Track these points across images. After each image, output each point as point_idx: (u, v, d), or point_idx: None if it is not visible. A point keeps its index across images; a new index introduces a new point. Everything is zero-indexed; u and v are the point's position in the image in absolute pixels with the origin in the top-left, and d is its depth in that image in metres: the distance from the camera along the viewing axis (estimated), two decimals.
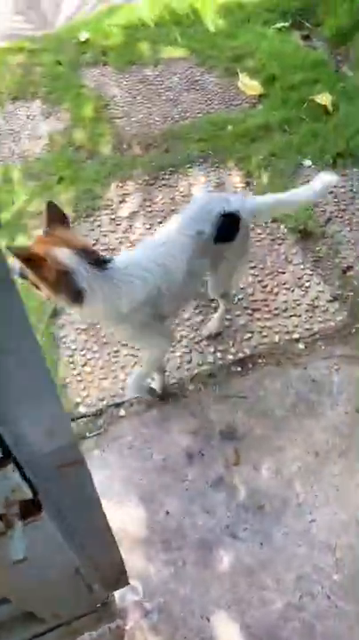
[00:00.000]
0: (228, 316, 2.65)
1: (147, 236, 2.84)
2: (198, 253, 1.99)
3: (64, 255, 1.70)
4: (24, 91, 3.89)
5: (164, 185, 3.24)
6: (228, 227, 2.05)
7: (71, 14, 4.83)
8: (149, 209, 3.12)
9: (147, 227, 3.01)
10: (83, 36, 4.28)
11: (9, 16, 4.90)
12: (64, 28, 4.55)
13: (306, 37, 4.30)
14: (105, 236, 2.98)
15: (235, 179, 3.27)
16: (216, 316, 2.57)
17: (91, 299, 1.76)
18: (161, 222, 2.98)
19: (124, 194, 3.20)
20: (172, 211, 3.02)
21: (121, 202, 3.16)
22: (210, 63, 4.01)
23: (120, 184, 3.25)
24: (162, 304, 1.97)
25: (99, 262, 1.77)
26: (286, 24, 4.31)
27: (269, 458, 2.23)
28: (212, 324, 2.57)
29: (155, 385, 2.40)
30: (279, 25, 4.28)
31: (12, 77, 4.00)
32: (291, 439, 2.28)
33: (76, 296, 1.75)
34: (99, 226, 3.02)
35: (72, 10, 4.89)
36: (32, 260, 1.65)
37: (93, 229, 3.00)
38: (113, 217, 3.07)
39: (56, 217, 1.76)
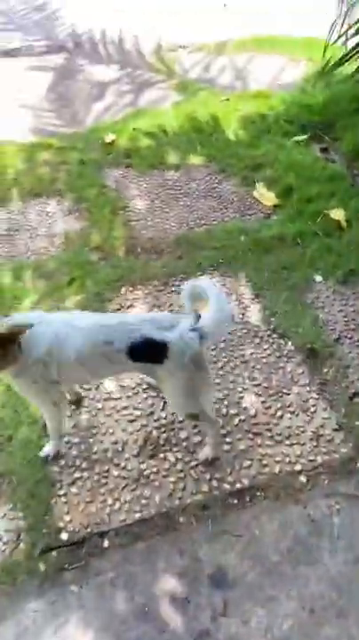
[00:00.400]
0: (228, 439, 2.55)
1: None
2: (99, 357, 2.07)
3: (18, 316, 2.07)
4: (46, 188, 4.01)
5: (173, 291, 3.23)
6: (149, 349, 2.02)
7: (100, 114, 5.08)
8: None
9: None
10: (109, 137, 4.46)
11: (41, 112, 5.18)
12: (91, 128, 4.76)
13: (324, 150, 4.42)
14: None
15: (245, 289, 3.25)
16: (208, 440, 2.46)
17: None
18: None
19: (134, 298, 3.20)
20: None
21: (129, 306, 3.15)
22: (228, 171, 4.12)
23: (131, 288, 3.26)
24: (54, 367, 2.08)
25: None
26: (305, 136, 4.45)
27: (260, 610, 2.05)
28: (208, 449, 2.46)
29: (47, 448, 2.46)
30: (298, 137, 4.42)
31: (37, 174, 4.14)
32: (286, 589, 2.10)
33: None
34: None
35: (101, 110, 5.14)
36: None
37: None
38: None
39: None
